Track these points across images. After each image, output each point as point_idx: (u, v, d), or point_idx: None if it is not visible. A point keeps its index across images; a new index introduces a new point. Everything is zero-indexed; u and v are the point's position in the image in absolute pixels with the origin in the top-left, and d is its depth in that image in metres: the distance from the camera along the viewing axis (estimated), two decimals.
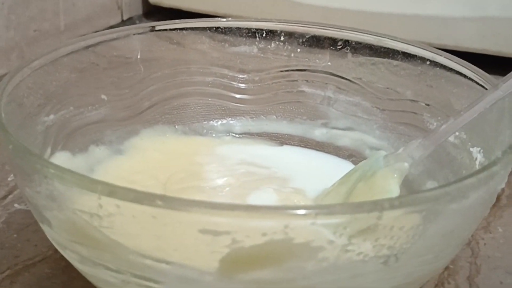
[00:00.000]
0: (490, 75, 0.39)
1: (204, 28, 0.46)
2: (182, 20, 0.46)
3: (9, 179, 0.46)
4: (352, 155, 0.47)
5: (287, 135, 0.48)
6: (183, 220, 0.26)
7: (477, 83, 0.40)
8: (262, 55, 0.48)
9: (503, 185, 0.31)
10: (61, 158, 0.40)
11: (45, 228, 0.32)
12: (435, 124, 0.43)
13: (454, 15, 0.67)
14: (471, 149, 0.38)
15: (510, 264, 0.40)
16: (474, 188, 0.28)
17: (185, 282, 0.28)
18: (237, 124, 0.48)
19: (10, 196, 0.44)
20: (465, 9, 0.66)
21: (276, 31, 0.48)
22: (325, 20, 0.48)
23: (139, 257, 0.28)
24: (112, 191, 0.26)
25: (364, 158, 0.46)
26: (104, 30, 0.39)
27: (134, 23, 0.79)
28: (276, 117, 0.49)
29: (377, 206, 0.26)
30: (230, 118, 0.48)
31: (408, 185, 0.42)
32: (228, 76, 0.48)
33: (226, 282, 0.27)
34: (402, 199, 0.27)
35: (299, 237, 0.26)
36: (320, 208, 0.26)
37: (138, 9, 0.82)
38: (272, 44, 0.48)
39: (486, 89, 0.38)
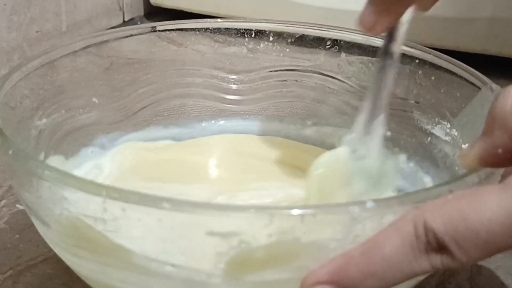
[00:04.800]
0: (481, 73, 0.39)
1: (200, 29, 0.46)
2: (182, 20, 0.46)
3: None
4: None
5: (278, 134, 0.49)
6: (190, 223, 0.26)
7: (467, 81, 0.40)
8: (251, 55, 0.48)
9: None
10: (55, 162, 0.40)
11: (44, 232, 0.31)
12: (425, 121, 0.43)
13: (454, 15, 0.67)
14: (463, 146, 0.39)
15: (511, 264, 0.40)
16: (475, 185, 0.28)
17: (192, 285, 0.28)
18: (228, 125, 0.48)
19: (12, 196, 0.44)
20: (465, 10, 0.67)
21: (265, 31, 0.48)
22: (325, 21, 0.48)
23: (145, 261, 0.28)
24: (118, 194, 0.26)
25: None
26: (105, 30, 0.39)
27: (136, 24, 0.79)
28: (267, 117, 0.49)
29: (381, 204, 0.26)
30: (221, 119, 0.48)
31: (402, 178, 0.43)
32: (219, 77, 0.48)
33: (233, 284, 0.27)
34: (404, 197, 0.27)
35: (306, 237, 0.26)
36: (325, 208, 0.26)
37: (139, 10, 0.82)
38: (261, 44, 0.48)
39: (476, 86, 0.39)
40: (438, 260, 0.24)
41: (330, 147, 0.47)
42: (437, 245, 0.24)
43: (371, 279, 0.25)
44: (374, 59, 0.46)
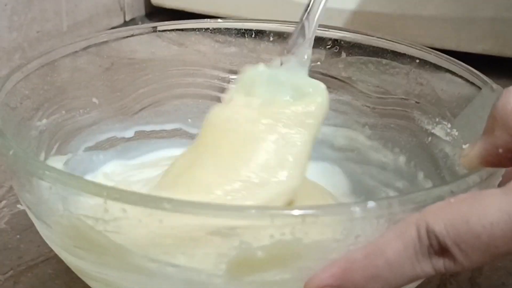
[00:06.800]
0: (481, 73, 0.39)
1: (200, 29, 0.46)
2: (182, 20, 0.46)
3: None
4: (343, 153, 0.47)
5: None
6: (191, 223, 0.26)
7: (467, 81, 0.40)
8: (252, 55, 0.48)
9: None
10: (55, 163, 0.40)
11: (45, 232, 0.31)
12: (425, 121, 0.43)
13: (454, 15, 0.67)
14: (464, 146, 0.39)
15: None
16: (476, 186, 0.28)
17: (192, 285, 0.28)
18: None
19: (12, 197, 0.44)
20: (466, 10, 0.67)
21: (266, 31, 0.48)
22: (326, 21, 0.48)
23: (145, 261, 0.28)
24: (119, 195, 0.26)
25: (356, 156, 0.47)
26: (106, 31, 0.39)
27: (137, 24, 0.79)
28: None
29: (382, 204, 0.26)
30: None
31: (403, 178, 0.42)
32: (220, 77, 0.48)
33: (234, 284, 0.27)
34: (405, 197, 0.27)
35: (307, 238, 0.26)
36: (327, 208, 0.26)
37: (140, 10, 0.82)
38: (262, 44, 0.48)
39: (477, 86, 0.39)
40: (440, 264, 0.25)
41: (330, 147, 0.47)
42: (439, 249, 0.24)
43: (374, 282, 0.25)
44: (374, 59, 0.46)
